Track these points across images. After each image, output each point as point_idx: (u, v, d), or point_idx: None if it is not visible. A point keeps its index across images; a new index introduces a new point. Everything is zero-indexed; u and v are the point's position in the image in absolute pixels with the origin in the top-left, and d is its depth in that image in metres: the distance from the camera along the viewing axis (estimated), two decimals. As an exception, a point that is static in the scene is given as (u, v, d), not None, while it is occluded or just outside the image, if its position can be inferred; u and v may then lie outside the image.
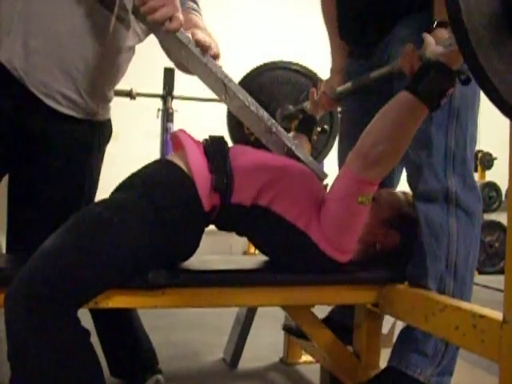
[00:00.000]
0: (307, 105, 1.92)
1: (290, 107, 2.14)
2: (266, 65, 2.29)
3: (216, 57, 1.35)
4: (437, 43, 1.21)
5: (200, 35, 1.33)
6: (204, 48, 1.32)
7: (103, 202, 1.24)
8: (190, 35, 1.32)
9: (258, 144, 1.58)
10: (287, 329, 1.94)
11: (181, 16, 1.29)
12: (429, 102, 1.18)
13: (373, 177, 1.26)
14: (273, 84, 2.25)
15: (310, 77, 2.27)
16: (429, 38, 1.22)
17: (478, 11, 0.78)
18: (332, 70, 1.85)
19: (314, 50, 4.33)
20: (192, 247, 1.32)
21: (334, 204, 1.29)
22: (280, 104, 2.18)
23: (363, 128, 1.27)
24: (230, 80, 1.37)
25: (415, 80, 1.19)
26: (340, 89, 1.73)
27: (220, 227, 1.38)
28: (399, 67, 1.33)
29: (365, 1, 1.58)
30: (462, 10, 0.76)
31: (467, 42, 0.77)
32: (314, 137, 1.91)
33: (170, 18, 1.27)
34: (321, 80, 2.11)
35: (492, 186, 5.42)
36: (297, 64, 2.30)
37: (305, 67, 2.31)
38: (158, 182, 1.26)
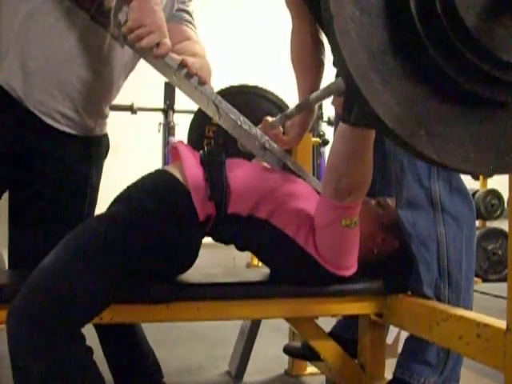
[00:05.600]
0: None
1: None
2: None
3: (203, 82, 1.36)
4: None
5: (190, 61, 1.34)
6: (191, 72, 1.33)
7: (100, 217, 1.26)
8: (180, 58, 1.33)
9: None
10: (288, 351, 1.92)
11: (168, 41, 1.30)
12: (368, 126, 1.12)
13: (349, 202, 1.24)
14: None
15: (263, 95, 2.21)
16: None
17: (365, 49, 0.70)
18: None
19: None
20: (189, 258, 1.32)
21: (321, 232, 1.29)
22: None
23: None
24: (221, 101, 1.38)
25: (345, 110, 1.13)
26: (281, 114, 1.59)
27: (217, 239, 1.38)
28: (332, 90, 1.27)
29: None
30: (341, 49, 0.69)
31: (357, 89, 0.70)
32: None
33: (158, 44, 1.29)
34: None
35: (494, 194, 5.41)
36: (238, 86, 2.19)
37: (246, 86, 2.20)
38: (153, 193, 1.28)
